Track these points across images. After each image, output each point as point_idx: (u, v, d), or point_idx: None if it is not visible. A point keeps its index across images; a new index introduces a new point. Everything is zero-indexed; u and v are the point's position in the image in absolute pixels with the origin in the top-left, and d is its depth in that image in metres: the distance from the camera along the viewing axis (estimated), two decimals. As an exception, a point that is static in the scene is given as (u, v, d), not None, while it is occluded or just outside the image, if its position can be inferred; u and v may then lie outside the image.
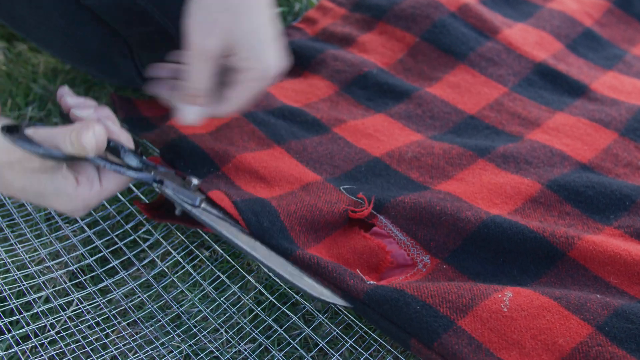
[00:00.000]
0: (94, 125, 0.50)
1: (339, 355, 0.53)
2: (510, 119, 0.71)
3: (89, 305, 0.57)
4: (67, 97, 0.57)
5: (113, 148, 0.55)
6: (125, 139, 0.56)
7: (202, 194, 0.58)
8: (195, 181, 0.56)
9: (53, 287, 0.59)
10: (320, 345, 0.54)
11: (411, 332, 0.48)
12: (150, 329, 0.55)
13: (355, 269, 0.53)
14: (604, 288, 0.52)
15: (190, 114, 0.60)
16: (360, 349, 0.53)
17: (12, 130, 0.51)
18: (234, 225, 0.56)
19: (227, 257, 0.60)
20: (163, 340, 0.55)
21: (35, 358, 0.53)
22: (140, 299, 0.58)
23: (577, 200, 0.60)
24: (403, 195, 0.59)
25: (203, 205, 0.56)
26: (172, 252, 0.62)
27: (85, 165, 0.55)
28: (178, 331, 0.55)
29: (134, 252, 0.62)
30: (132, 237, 0.63)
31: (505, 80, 0.75)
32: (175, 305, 0.57)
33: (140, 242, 0.63)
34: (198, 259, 0.61)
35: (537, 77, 0.76)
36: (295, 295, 0.57)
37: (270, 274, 0.55)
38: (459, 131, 0.70)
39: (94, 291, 0.58)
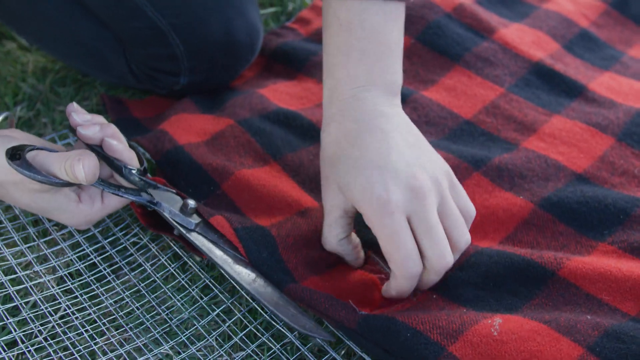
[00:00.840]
0: (84, 157, 0.52)
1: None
2: (506, 123, 0.70)
3: (77, 311, 0.56)
4: (74, 114, 0.58)
5: (116, 167, 0.57)
6: (128, 157, 0.57)
7: (200, 217, 0.58)
8: (192, 204, 0.57)
9: (41, 292, 0.58)
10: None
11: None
12: (141, 338, 0.55)
13: (347, 301, 0.52)
14: (596, 306, 0.52)
15: None
16: None
17: (15, 154, 0.54)
18: (228, 252, 0.56)
19: (218, 265, 0.59)
20: (153, 348, 0.54)
21: (22, 366, 0.52)
22: (130, 306, 0.57)
23: (571, 218, 0.59)
24: None
25: (198, 229, 0.56)
26: (162, 258, 0.61)
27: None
28: (169, 339, 0.54)
29: (123, 258, 0.61)
30: (121, 241, 0.62)
31: (502, 81, 0.74)
32: (162, 312, 0.56)
33: (130, 247, 0.62)
34: (189, 265, 0.60)
35: (534, 77, 0.75)
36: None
37: (256, 303, 0.56)
38: (454, 138, 0.69)
39: (82, 297, 0.57)
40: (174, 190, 0.59)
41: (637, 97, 0.73)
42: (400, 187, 0.50)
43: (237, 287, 0.57)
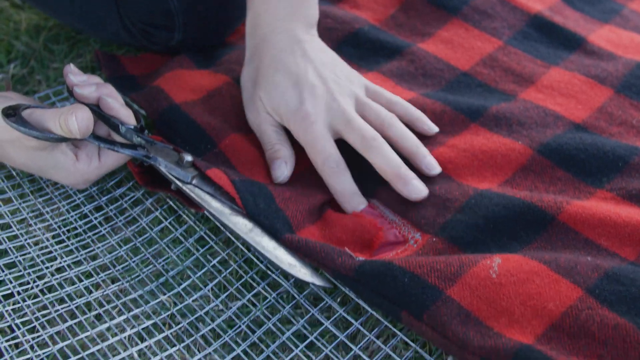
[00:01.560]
0: (76, 110, 0.53)
1: (328, 319, 0.53)
2: (504, 75, 0.69)
3: (72, 264, 0.56)
4: (71, 75, 0.59)
5: (113, 124, 0.57)
6: (125, 115, 0.58)
7: (196, 170, 0.57)
8: (188, 158, 0.57)
9: (36, 245, 0.58)
10: (311, 312, 0.53)
11: (401, 305, 0.48)
12: (138, 290, 0.55)
13: (344, 248, 0.52)
14: (595, 251, 0.51)
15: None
16: (347, 311, 0.53)
17: (11, 112, 0.54)
18: (225, 203, 0.56)
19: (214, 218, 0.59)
20: (149, 299, 0.54)
21: (19, 315, 0.52)
22: (125, 258, 0.57)
23: (569, 164, 0.58)
24: None
25: (195, 182, 0.56)
26: (157, 210, 0.61)
27: (85, 142, 0.58)
28: (165, 291, 0.54)
29: (118, 210, 0.61)
30: (115, 196, 0.62)
31: (500, 34, 0.73)
32: (157, 264, 0.56)
33: (124, 202, 0.62)
34: (184, 217, 0.60)
35: (532, 29, 0.74)
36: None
37: (255, 253, 0.56)
38: (451, 89, 0.68)
39: (78, 251, 0.58)
40: (171, 146, 0.59)
41: (637, 50, 0.72)
42: (318, 100, 0.59)
43: (233, 238, 0.57)
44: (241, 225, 0.54)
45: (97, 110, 0.58)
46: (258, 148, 0.62)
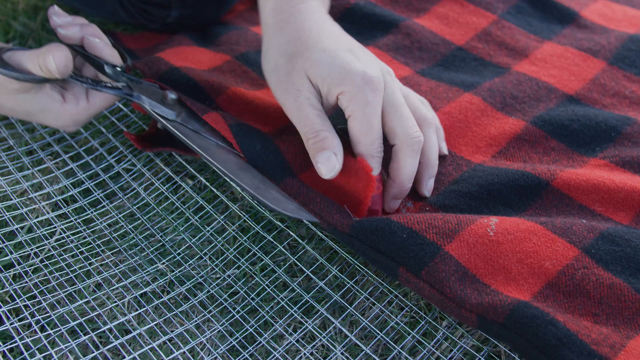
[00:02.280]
0: (54, 49, 0.52)
1: (324, 282, 0.53)
2: (498, 49, 0.70)
3: (72, 235, 0.57)
4: (54, 16, 0.58)
5: (98, 65, 0.57)
6: (109, 54, 0.57)
7: (185, 109, 0.57)
8: (173, 95, 0.56)
9: (36, 218, 0.58)
10: (306, 272, 0.54)
11: (399, 261, 0.48)
12: (135, 258, 0.55)
13: (342, 204, 0.52)
14: (589, 216, 0.52)
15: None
16: (343, 276, 0.53)
17: None
18: (210, 140, 0.55)
19: (211, 187, 0.60)
20: (147, 267, 0.54)
21: (19, 284, 0.53)
22: (124, 229, 0.58)
23: (562, 135, 0.59)
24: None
25: (179, 119, 0.56)
26: (155, 182, 0.61)
27: (72, 83, 0.57)
28: (163, 260, 0.55)
29: (117, 184, 0.62)
30: (115, 169, 0.63)
31: (494, 8, 0.74)
32: (157, 233, 0.57)
33: (123, 174, 0.62)
34: (182, 190, 0.61)
35: (526, 4, 0.75)
36: (280, 224, 0.57)
37: (238, 188, 0.55)
38: (446, 64, 0.69)
39: (77, 222, 0.58)
40: (157, 85, 0.58)
41: (630, 23, 0.72)
42: (378, 69, 0.52)
43: (220, 172, 0.55)
44: (228, 162, 0.54)
45: (82, 52, 0.57)
46: (255, 101, 0.61)
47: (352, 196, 0.52)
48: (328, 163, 0.50)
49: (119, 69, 0.57)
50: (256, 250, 0.55)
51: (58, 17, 0.57)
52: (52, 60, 0.52)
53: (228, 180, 0.56)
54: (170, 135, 0.60)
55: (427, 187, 0.55)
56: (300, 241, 0.55)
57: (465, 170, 0.56)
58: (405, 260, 0.47)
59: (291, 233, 0.56)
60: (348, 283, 0.52)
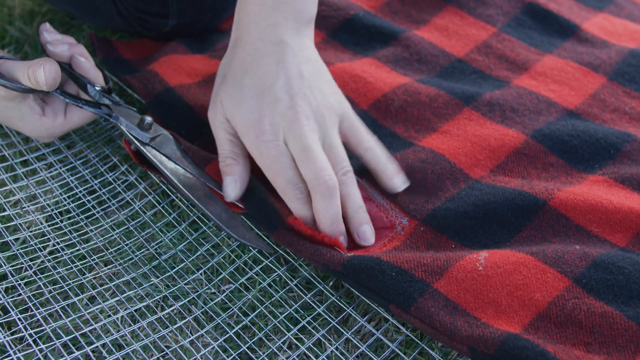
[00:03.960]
0: (45, 62, 0.54)
1: (321, 304, 0.53)
2: (497, 62, 0.69)
3: (65, 246, 0.57)
4: (45, 33, 0.61)
5: (82, 84, 0.60)
6: (94, 75, 0.60)
7: (162, 131, 0.59)
8: (148, 119, 0.58)
9: (30, 229, 0.58)
10: (304, 297, 0.53)
11: (389, 299, 0.48)
12: (132, 273, 0.55)
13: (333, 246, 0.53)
14: (586, 237, 0.52)
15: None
16: (339, 294, 0.53)
17: None
18: (179, 165, 0.57)
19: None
20: (140, 281, 0.54)
21: (12, 297, 0.52)
22: (118, 243, 0.57)
23: (562, 150, 0.59)
24: None
25: (153, 144, 0.58)
26: (149, 195, 0.61)
27: (54, 97, 0.60)
28: (158, 274, 0.55)
29: (111, 194, 0.61)
30: (109, 180, 0.62)
31: (494, 21, 0.73)
32: (150, 248, 0.56)
33: (117, 185, 0.62)
34: (176, 202, 0.60)
35: (527, 17, 0.74)
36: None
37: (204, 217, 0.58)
38: (446, 75, 0.68)
39: (72, 235, 0.58)
40: (135, 109, 0.61)
41: (631, 38, 0.72)
42: (277, 115, 0.52)
43: (185, 199, 0.58)
44: (193, 189, 0.56)
45: (68, 69, 0.60)
46: None
47: (323, 244, 0.53)
48: (229, 188, 0.54)
49: (100, 89, 0.60)
50: (252, 265, 0.55)
51: (49, 33, 0.60)
52: (43, 72, 0.53)
53: (193, 206, 0.59)
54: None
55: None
56: (294, 262, 0.55)
57: (463, 187, 0.56)
58: (394, 297, 0.47)
59: (288, 256, 0.55)
60: (344, 306, 0.52)
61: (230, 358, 0.49)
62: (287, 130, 0.52)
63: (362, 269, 0.49)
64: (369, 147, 0.56)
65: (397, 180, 0.56)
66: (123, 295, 0.53)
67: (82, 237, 0.57)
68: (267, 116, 0.52)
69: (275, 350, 0.49)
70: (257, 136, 0.52)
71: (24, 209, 0.60)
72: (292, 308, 0.52)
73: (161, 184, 0.61)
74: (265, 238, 0.56)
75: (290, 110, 0.52)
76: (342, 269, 0.50)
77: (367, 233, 0.53)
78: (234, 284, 0.54)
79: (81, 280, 0.54)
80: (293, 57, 0.54)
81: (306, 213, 0.53)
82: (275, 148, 0.52)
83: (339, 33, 0.73)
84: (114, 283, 0.54)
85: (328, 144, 0.53)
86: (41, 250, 0.56)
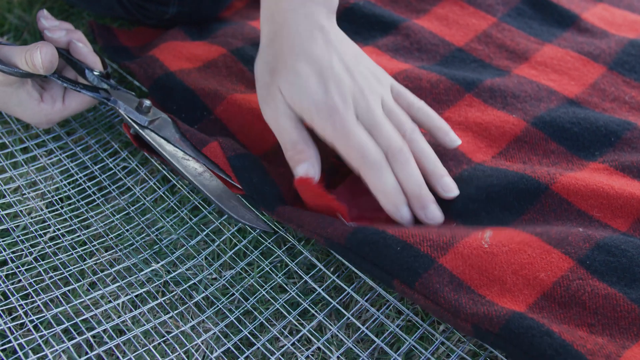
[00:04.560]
0: (42, 46, 0.54)
1: (320, 285, 0.53)
2: (497, 51, 0.69)
3: (66, 232, 0.56)
4: (42, 19, 0.61)
5: (80, 69, 0.60)
6: (92, 61, 0.60)
7: (160, 114, 0.59)
8: (147, 103, 0.59)
9: (30, 216, 0.58)
10: (304, 278, 0.53)
11: (393, 273, 0.48)
12: (132, 259, 0.55)
13: (336, 216, 0.52)
14: (587, 222, 0.52)
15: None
16: (340, 279, 0.53)
17: None
18: (178, 148, 0.58)
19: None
20: (141, 267, 0.54)
21: (13, 282, 0.52)
22: (119, 228, 0.57)
23: (563, 137, 0.59)
24: None
25: (152, 126, 0.58)
26: (149, 179, 0.61)
27: (52, 83, 0.60)
28: (158, 259, 0.55)
29: (111, 180, 0.61)
30: (109, 166, 0.62)
31: (495, 10, 0.73)
32: (151, 233, 0.56)
33: (118, 171, 0.62)
34: (177, 188, 0.60)
35: (526, 6, 0.74)
36: (279, 225, 0.56)
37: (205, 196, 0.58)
38: (446, 64, 0.68)
39: (72, 221, 0.57)
40: (134, 93, 0.61)
41: (630, 28, 0.72)
42: (344, 93, 0.53)
43: (185, 180, 0.59)
44: (191, 169, 0.56)
45: (66, 55, 0.60)
46: (254, 111, 0.61)
47: (328, 210, 0.53)
48: (307, 175, 0.53)
49: (99, 74, 0.60)
50: (252, 249, 0.55)
51: (46, 20, 0.61)
52: (39, 55, 0.54)
53: (192, 189, 0.60)
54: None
55: (443, 187, 0.54)
56: (297, 244, 0.55)
57: (465, 168, 0.56)
58: (399, 272, 0.47)
59: (288, 235, 0.56)
60: (345, 287, 0.52)
61: (231, 343, 0.49)
62: (356, 106, 0.53)
63: (367, 242, 0.49)
64: (420, 107, 0.58)
65: (453, 135, 0.57)
66: (124, 281, 0.53)
67: (82, 223, 0.57)
68: (335, 94, 0.53)
69: (277, 335, 0.50)
70: (331, 114, 0.52)
71: (24, 196, 0.59)
72: (293, 291, 0.52)
73: (162, 170, 0.61)
74: (264, 219, 0.56)
75: (355, 86, 0.54)
76: (346, 242, 0.49)
77: (450, 184, 0.54)
78: (235, 268, 0.54)
79: (82, 266, 0.54)
80: (336, 38, 0.56)
81: (387, 182, 0.52)
82: (350, 122, 0.53)
83: (339, 22, 0.72)
84: (115, 269, 0.54)
85: (388, 110, 0.55)
86: (42, 237, 0.56)
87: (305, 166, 0.53)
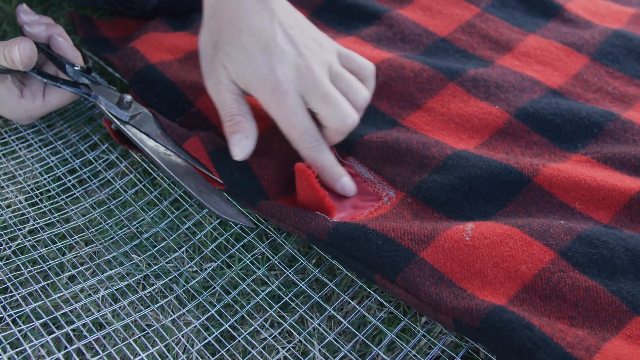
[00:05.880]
0: (20, 41, 0.54)
1: (301, 277, 0.53)
2: (481, 42, 0.69)
3: (45, 226, 0.56)
4: (22, 14, 0.60)
5: (60, 64, 0.59)
6: (73, 55, 0.59)
7: (142, 109, 0.59)
8: (128, 98, 0.58)
9: (8, 209, 0.57)
10: (286, 272, 0.53)
11: (374, 267, 0.48)
12: (112, 252, 0.54)
13: (316, 212, 0.52)
14: (569, 214, 0.52)
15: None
16: (321, 271, 0.53)
17: None
18: (159, 143, 0.57)
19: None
20: (122, 260, 0.53)
21: (-10, 278, 0.52)
22: (99, 221, 0.57)
23: (545, 129, 0.59)
24: (371, 134, 0.58)
25: (132, 122, 0.58)
26: (129, 172, 0.60)
27: (32, 79, 0.60)
28: (139, 253, 0.54)
29: (91, 173, 0.60)
30: (89, 159, 0.61)
31: (478, 1, 0.73)
32: (131, 227, 0.56)
33: (98, 164, 0.61)
34: (157, 180, 0.60)
35: (510, -4, 0.74)
36: (260, 219, 0.56)
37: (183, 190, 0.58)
38: (429, 54, 0.68)
39: (52, 214, 0.57)
40: (115, 88, 0.60)
41: (614, 18, 0.72)
42: (289, 66, 0.53)
43: (166, 176, 0.58)
44: (174, 166, 0.56)
45: (47, 50, 0.59)
46: None
47: (316, 204, 0.53)
48: (239, 145, 0.54)
49: (79, 69, 0.59)
50: (233, 243, 0.55)
51: (25, 14, 0.60)
52: (17, 51, 0.53)
53: (174, 183, 0.59)
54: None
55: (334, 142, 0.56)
56: (278, 237, 0.55)
57: (449, 153, 0.55)
58: (380, 266, 0.47)
59: (270, 230, 0.55)
60: (327, 281, 0.52)
61: (212, 336, 0.49)
62: (301, 80, 0.53)
63: (348, 237, 0.49)
64: (369, 66, 0.58)
65: None
66: (104, 275, 0.52)
67: (62, 217, 0.57)
68: (278, 68, 0.53)
69: (258, 328, 0.49)
70: (274, 88, 0.53)
71: (3, 189, 0.59)
72: (275, 284, 0.52)
73: (142, 163, 0.61)
74: (247, 214, 0.55)
75: (299, 59, 0.54)
76: (328, 238, 0.49)
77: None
78: (215, 262, 0.53)
79: (61, 259, 0.53)
80: (279, 10, 0.55)
81: (324, 159, 0.55)
82: (292, 99, 0.53)
83: (323, 12, 0.72)
84: (95, 262, 0.53)
85: (335, 75, 0.55)
86: (20, 230, 0.55)
87: (239, 137, 0.54)
